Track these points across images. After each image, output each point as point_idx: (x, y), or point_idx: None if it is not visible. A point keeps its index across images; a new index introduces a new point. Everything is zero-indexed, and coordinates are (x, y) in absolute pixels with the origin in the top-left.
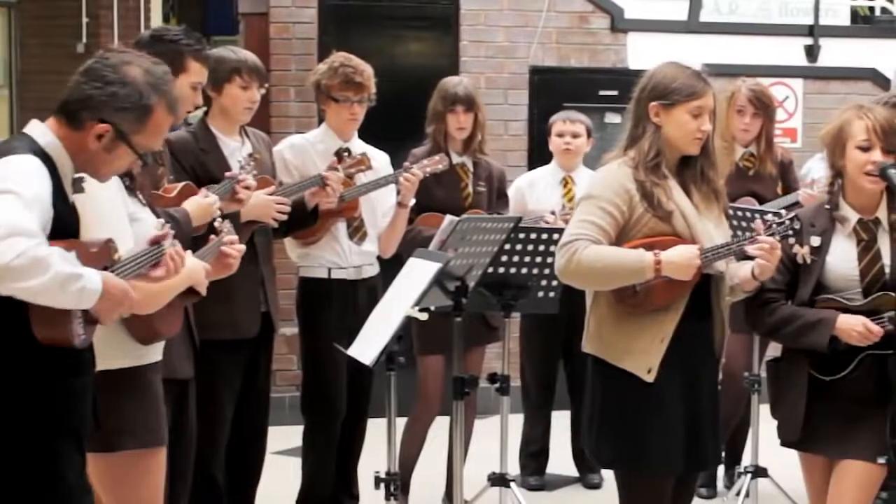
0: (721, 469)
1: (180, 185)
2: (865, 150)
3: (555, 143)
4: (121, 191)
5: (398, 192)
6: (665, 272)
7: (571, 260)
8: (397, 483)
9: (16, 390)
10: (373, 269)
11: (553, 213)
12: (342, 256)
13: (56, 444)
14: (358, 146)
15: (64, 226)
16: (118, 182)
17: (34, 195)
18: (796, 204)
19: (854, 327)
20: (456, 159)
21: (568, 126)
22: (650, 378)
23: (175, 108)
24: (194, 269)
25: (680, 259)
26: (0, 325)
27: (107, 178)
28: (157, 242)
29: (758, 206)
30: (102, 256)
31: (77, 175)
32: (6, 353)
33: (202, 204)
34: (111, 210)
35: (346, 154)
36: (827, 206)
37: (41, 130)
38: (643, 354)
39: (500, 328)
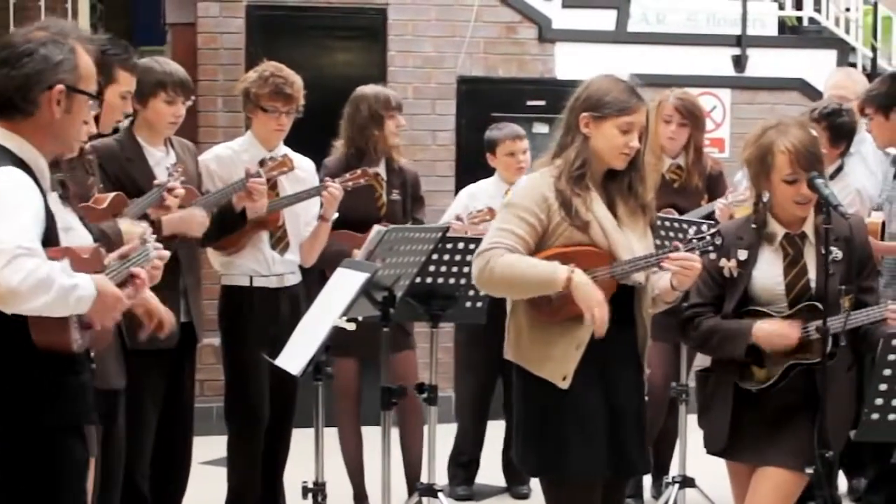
0: (648, 479)
1: (111, 195)
2: (792, 182)
3: (506, 163)
4: (55, 200)
5: (321, 205)
6: (573, 291)
7: (485, 268)
8: (325, 493)
9: (17, 391)
10: (295, 278)
11: (460, 218)
12: (264, 265)
13: (57, 440)
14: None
15: (50, 231)
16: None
17: (33, 209)
18: (713, 214)
19: (771, 336)
20: (370, 169)
21: (517, 144)
22: (565, 385)
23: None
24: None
25: (588, 288)
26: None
27: (77, 144)
28: (125, 256)
29: (677, 216)
30: (94, 262)
31: (56, 175)
32: (6, 357)
33: (135, 231)
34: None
35: (268, 157)
36: (754, 225)
37: (3, 135)
38: (558, 362)
39: (413, 335)
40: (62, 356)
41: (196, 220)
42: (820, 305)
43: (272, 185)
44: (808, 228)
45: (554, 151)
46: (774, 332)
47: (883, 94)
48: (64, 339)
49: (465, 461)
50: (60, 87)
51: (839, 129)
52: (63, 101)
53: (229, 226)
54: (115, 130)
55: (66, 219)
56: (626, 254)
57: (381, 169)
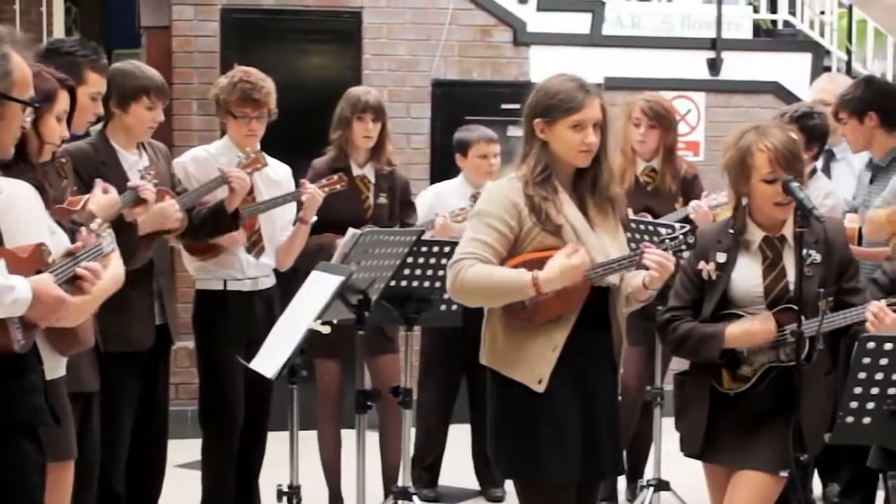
0: (623, 482)
1: (85, 197)
2: (771, 182)
3: (476, 165)
4: (40, 204)
5: (299, 208)
6: (547, 288)
7: (457, 279)
8: (300, 496)
9: None
10: (269, 281)
11: (441, 215)
12: (239, 268)
13: (6, 440)
14: None
15: None
16: (36, 194)
17: None
18: (687, 218)
19: (743, 335)
20: (356, 171)
21: (491, 147)
22: (540, 388)
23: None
24: (118, 274)
25: (555, 272)
26: None
27: (10, 148)
28: (72, 254)
29: (651, 219)
30: (34, 262)
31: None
32: None
33: (105, 200)
34: (33, 221)
35: (240, 156)
36: (731, 231)
37: None
38: (533, 365)
39: (396, 339)
40: (4, 356)
41: (169, 212)
42: (796, 307)
43: (248, 190)
44: (788, 231)
45: (518, 162)
46: (747, 331)
47: (857, 98)
48: (5, 340)
49: (429, 464)
50: None
51: (811, 131)
52: None
53: (222, 227)
54: (87, 134)
55: (49, 223)
56: (600, 256)
57: (368, 171)
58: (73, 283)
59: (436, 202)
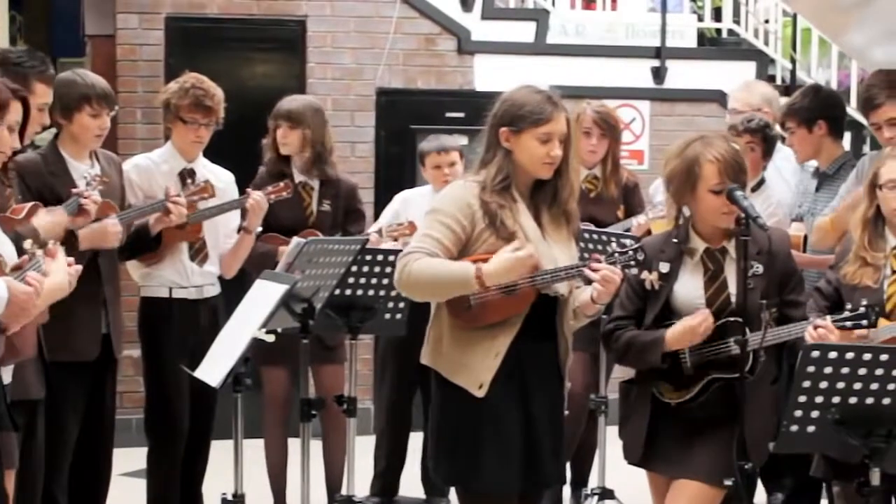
0: (568, 490)
1: (28, 205)
2: (719, 192)
3: (432, 175)
4: None
5: (243, 216)
6: (490, 281)
7: (403, 271)
8: None
9: None
10: (214, 289)
11: (379, 231)
12: (184, 276)
13: None
14: (202, 166)
15: None
16: None
17: None
18: (629, 230)
19: (682, 333)
20: (298, 178)
21: (443, 157)
22: (481, 393)
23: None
24: (57, 287)
25: (500, 264)
26: None
27: None
28: (20, 268)
29: (597, 228)
30: None
31: None
32: None
33: (52, 221)
34: None
35: (189, 180)
36: (675, 240)
37: None
38: (475, 370)
39: (337, 348)
40: None
41: (109, 231)
42: (741, 320)
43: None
44: (729, 244)
45: (477, 167)
46: (686, 328)
47: (805, 107)
48: None
49: (381, 471)
50: None
51: (772, 141)
52: None
53: (144, 246)
54: (32, 143)
55: None
56: (549, 264)
57: (310, 179)
58: None
59: (402, 209)
